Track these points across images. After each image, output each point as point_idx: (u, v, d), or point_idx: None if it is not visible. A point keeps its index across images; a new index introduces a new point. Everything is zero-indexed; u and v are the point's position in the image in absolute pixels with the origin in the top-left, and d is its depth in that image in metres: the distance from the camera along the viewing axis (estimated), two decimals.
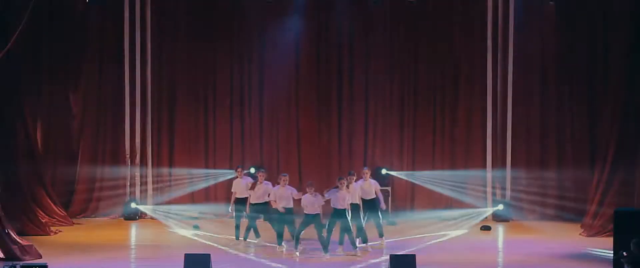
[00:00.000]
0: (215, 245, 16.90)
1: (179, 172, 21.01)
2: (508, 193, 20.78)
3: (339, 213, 15.84)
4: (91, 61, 20.89)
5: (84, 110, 20.99)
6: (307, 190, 15.82)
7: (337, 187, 15.92)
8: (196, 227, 18.97)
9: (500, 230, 19.51)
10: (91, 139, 21.03)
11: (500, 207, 20.32)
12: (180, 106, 21.08)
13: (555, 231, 19.12)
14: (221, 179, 20.64)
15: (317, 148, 21.08)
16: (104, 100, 21.04)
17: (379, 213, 16.90)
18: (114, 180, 20.98)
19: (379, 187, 17.04)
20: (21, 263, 13.85)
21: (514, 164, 20.77)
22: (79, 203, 20.95)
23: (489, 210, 20.37)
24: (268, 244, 16.68)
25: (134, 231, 19.48)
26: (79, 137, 20.99)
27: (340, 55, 21.06)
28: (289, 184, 16.24)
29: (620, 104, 18.40)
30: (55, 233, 18.49)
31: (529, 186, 20.63)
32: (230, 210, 17.44)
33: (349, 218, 15.91)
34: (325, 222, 16.03)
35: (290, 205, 16.09)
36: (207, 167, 21.07)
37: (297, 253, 15.76)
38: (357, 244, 16.22)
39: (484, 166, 20.91)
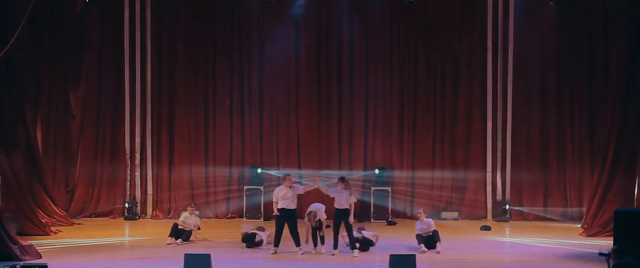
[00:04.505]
0: (216, 245, 16.89)
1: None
2: (508, 192, 20.78)
3: (343, 213, 15.87)
4: (91, 61, 20.90)
5: (84, 110, 21.00)
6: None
7: (347, 188, 15.95)
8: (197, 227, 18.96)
9: (500, 230, 19.51)
10: (91, 139, 21.03)
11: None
12: (180, 106, 21.08)
13: (555, 231, 19.12)
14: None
15: (317, 148, 21.07)
16: (104, 100, 21.05)
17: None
18: (114, 180, 21.02)
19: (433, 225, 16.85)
20: (21, 263, 13.84)
21: (514, 164, 20.77)
22: (79, 203, 20.96)
23: None
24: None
25: (133, 231, 19.48)
26: (79, 137, 21.00)
27: (340, 55, 21.05)
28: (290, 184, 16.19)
29: (620, 105, 18.39)
30: (55, 233, 18.47)
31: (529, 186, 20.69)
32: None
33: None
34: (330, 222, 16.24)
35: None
36: (206, 166, 21.07)
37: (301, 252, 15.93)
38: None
39: (484, 166, 20.91)
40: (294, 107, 21.09)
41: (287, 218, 15.96)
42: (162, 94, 21.13)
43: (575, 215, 20.06)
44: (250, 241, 16.79)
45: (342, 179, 16.10)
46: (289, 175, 16.31)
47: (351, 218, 15.88)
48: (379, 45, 20.99)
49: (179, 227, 17.33)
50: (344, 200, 15.85)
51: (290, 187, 15.97)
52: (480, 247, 17.26)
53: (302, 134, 21.11)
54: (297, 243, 16.01)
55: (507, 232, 19.33)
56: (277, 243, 16.07)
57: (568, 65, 20.45)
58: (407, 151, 21.06)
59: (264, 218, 20.14)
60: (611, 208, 17.28)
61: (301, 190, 16.19)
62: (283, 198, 15.93)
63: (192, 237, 17.41)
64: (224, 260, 15.13)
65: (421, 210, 16.91)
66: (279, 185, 16.56)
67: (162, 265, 15.19)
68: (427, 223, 16.55)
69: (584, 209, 19.29)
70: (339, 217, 15.91)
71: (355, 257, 15.73)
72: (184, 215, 17.64)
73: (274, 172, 20.62)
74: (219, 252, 15.98)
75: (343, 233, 16.12)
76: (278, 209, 15.99)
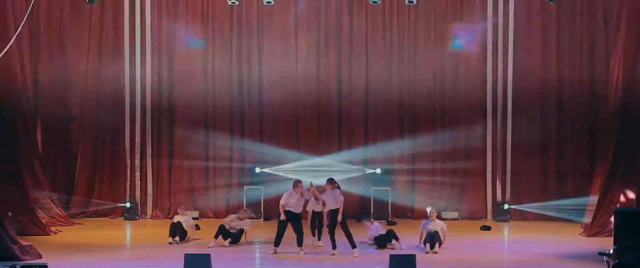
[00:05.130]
0: (216, 244, 16.89)
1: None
2: (508, 192, 20.78)
3: (336, 213, 15.93)
4: (91, 61, 20.88)
5: (83, 110, 20.99)
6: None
7: (336, 188, 16.04)
8: (196, 227, 18.95)
9: (500, 230, 19.51)
10: (91, 139, 21.03)
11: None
12: (180, 106, 21.07)
13: (555, 231, 19.11)
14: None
15: (317, 147, 21.05)
16: (104, 100, 21.03)
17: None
18: (114, 180, 21.02)
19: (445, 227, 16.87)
20: (21, 263, 13.85)
21: (514, 164, 20.76)
22: (79, 203, 20.97)
23: None
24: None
25: (133, 231, 19.49)
26: (79, 137, 20.99)
27: (340, 54, 21.02)
28: (290, 185, 16.30)
29: (620, 104, 18.40)
30: (55, 233, 18.48)
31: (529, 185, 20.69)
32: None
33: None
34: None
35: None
36: (207, 167, 21.07)
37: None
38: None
39: (484, 166, 20.91)
40: (294, 105, 21.08)
41: (293, 221, 16.05)
42: (162, 93, 21.12)
43: (576, 214, 20.03)
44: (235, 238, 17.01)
45: (330, 180, 16.25)
46: (300, 181, 16.36)
47: (339, 217, 15.94)
48: (379, 44, 20.97)
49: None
50: (334, 200, 15.98)
51: (301, 193, 16.09)
52: (480, 247, 17.26)
53: (302, 132, 21.10)
54: (300, 243, 16.03)
55: (507, 232, 19.33)
56: (277, 243, 16.08)
57: (568, 65, 20.43)
58: (407, 150, 21.04)
59: (264, 218, 20.16)
60: (611, 208, 17.30)
61: (311, 196, 16.29)
62: (292, 204, 16.06)
63: (189, 234, 17.49)
64: (224, 260, 15.13)
65: (433, 210, 16.94)
66: (286, 187, 16.61)
67: (162, 265, 15.19)
68: (439, 225, 16.62)
69: (584, 209, 19.26)
70: (333, 217, 15.97)
71: (355, 256, 15.74)
72: (176, 218, 17.76)
73: (270, 170, 20.66)
74: (219, 252, 15.97)
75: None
76: (285, 212, 16.06)
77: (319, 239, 16.74)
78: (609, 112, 18.93)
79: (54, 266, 13.88)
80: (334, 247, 15.93)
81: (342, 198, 16.11)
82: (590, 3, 20.02)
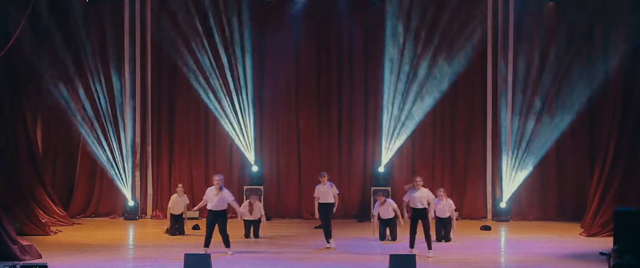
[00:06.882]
0: (216, 245, 16.89)
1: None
2: (508, 193, 20.77)
3: (421, 213, 15.94)
4: (91, 61, 20.88)
5: (84, 110, 20.99)
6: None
7: (414, 187, 16.08)
8: (196, 227, 18.97)
9: (500, 230, 19.53)
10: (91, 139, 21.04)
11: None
12: (180, 106, 21.09)
13: (555, 231, 19.12)
14: None
15: (317, 148, 21.09)
16: (104, 100, 21.02)
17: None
18: (114, 180, 21.03)
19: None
20: (21, 263, 13.86)
21: (513, 164, 20.76)
22: (79, 203, 20.97)
23: None
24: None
25: (134, 231, 19.50)
26: (79, 137, 20.99)
27: (340, 55, 21.05)
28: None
29: (620, 104, 18.41)
30: (55, 233, 18.50)
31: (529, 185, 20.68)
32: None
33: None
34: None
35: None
36: (207, 166, 21.09)
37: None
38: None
39: (484, 166, 20.91)
40: (294, 106, 21.10)
41: (217, 219, 15.86)
42: (162, 93, 21.15)
43: (575, 214, 20.04)
44: None
45: (416, 181, 16.22)
46: (217, 174, 16.46)
47: (431, 213, 16.63)
48: (379, 44, 20.97)
49: (171, 212, 18.14)
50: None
51: (220, 189, 15.93)
52: (480, 247, 17.27)
53: (303, 133, 21.13)
54: (226, 244, 15.94)
55: (507, 232, 19.33)
56: (207, 243, 15.88)
57: (568, 65, 20.42)
58: (407, 150, 21.05)
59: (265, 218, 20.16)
60: (611, 208, 17.30)
61: (230, 198, 16.07)
62: (210, 200, 15.93)
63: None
64: (224, 260, 15.13)
65: (442, 191, 17.18)
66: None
67: (162, 265, 15.20)
68: (448, 205, 17.34)
69: (584, 209, 19.26)
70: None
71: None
72: (173, 198, 18.20)
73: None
74: (219, 252, 15.97)
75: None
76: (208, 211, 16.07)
77: (328, 239, 16.73)
78: (609, 111, 18.92)
79: (54, 266, 13.90)
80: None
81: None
82: (590, 2, 19.96)
